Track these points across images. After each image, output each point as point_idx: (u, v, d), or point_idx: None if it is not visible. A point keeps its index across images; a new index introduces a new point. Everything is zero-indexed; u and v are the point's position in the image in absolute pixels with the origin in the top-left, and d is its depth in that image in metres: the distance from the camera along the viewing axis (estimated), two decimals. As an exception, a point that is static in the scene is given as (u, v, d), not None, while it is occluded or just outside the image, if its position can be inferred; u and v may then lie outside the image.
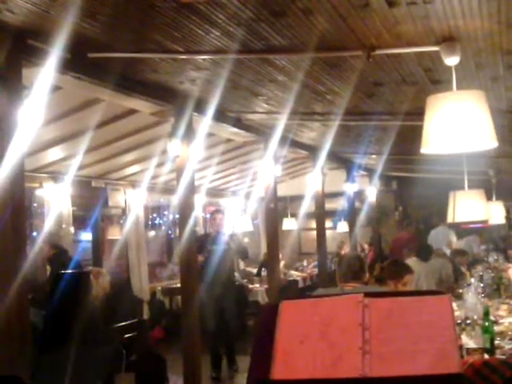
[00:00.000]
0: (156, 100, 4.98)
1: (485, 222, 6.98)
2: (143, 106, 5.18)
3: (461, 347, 3.50)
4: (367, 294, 2.13)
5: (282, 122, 6.20)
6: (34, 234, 7.60)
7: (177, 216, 8.26)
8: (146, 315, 8.95)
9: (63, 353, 3.34)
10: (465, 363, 3.37)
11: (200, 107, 5.31)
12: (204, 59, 4.10)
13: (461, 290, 5.49)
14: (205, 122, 5.51)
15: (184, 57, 4.04)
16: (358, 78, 4.57)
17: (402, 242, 9.92)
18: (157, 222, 10.79)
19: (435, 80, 4.66)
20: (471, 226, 9.56)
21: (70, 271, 3.65)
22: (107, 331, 4.70)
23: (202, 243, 6.93)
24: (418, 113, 4.21)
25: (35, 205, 7.76)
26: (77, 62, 3.92)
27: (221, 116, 5.87)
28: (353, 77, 4.52)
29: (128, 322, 5.65)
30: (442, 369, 1.85)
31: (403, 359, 1.92)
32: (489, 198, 7.57)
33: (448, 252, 8.48)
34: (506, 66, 4.39)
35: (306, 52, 3.91)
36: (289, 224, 12.57)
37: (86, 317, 2.93)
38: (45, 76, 3.55)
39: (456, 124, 3.13)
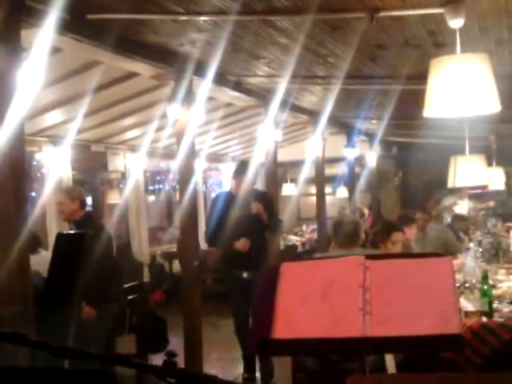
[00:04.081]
0: (156, 62, 4.93)
1: (484, 187, 7.00)
2: (143, 69, 5.13)
3: (459, 310, 3.54)
4: (368, 256, 2.14)
5: (282, 85, 6.14)
6: (34, 197, 7.60)
7: (177, 180, 8.27)
8: (146, 278, 9.02)
9: (66, 313, 3.37)
10: (463, 326, 3.41)
11: (200, 70, 5.26)
12: (205, 20, 4.05)
13: (460, 255, 5.54)
14: (205, 86, 5.47)
15: (185, 18, 3.99)
16: (360, 41, 4.51)
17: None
18: (157, 186, 10.80)
19: (439, 43, 4.61)
20: (471, 191, 9.59)
21: (71, 232, 3.67)
22: (111, 291, 4.75)
23: (215, 207, 5.44)
24: (421, 77, 4.16)
25: (35, 169, 7.74)
26: (76, 24, 3.86)
27: (221, 79, 5.81)
28: (355, 39, 4.47)
29: (129, 285, 5.69)
30: (442, 329, 1.87)
31: (403, 320, 1.94)
32: (489, 164, 7.58)
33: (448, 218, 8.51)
34: (510, 29, 4.34)
35: (308, 13, 3.85)
36: (288, 189, 12.58)
37: (89, 277, 2.96)
38: (44, 37, 3.50)
39: (459, 87, 3.11)
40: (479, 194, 10.53)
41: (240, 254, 5.28)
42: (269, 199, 5.78)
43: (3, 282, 3.23)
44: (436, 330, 1.86)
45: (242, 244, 5.25)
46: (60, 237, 2.64)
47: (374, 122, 9.55)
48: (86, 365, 1.24)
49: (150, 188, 10.54)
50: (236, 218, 5.30)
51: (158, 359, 1.16)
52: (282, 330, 1.93)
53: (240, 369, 5.46)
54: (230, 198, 5.54)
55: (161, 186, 10.84)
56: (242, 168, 5.69)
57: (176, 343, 5.43)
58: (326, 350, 2.14)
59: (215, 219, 5.42)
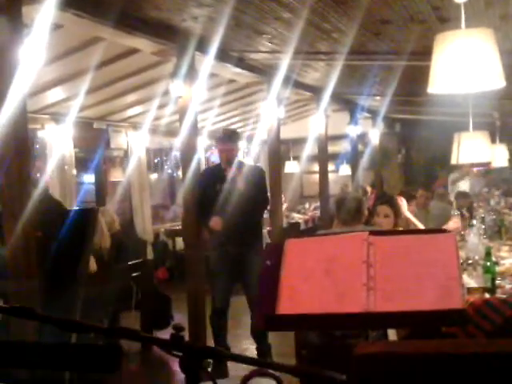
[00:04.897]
0: (157, 38, 4.89)
1: (488, 164, 6.98)
2: (145, 45, 5.09)
3: (463, 286, 3.55)
4: (372, 233, 2.14)
5: (285, 61, 6.10)
6: (38, 175, 7.60)
7: (179, 158, 8.25)
8: (149, 256, 9.06)
9: (71, 290, 3.39)
10: (466, 302, 3.42)
11: (202, 46, 5.22)
12: (207, -5, 4.01)
13: (463, 232, 5.54)
14: (207, 62, 5.43)
15: (187, -7, 3.95)
16: (364, 16, 4.47)
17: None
18: (159, 164, 10.79)
19: (443, 18, 4.57)
20: (474, 168, 9.57)
21: (76, 208, 3.65)
22: (116, 268, 4.77)
23: (201, 182, 5.10)
24: (425, 52, 4.14)
25: (37, 146, 7.73)
26: (77, -1, 3.83)
27: (223, 55, 5.77)
28: (359, 14, 4.43)
29: (133, 262, 5.72)
30: (445, 305, 1.88)
31: (407, 295, 1.95)
32: (493, 141, 7.54)
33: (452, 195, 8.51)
34: (516, 3, 4.29)
35: (312, -12, 3.81)
36: (291, 167, 12.57)
37: (94, 253, 2.98)
38: (45, 13, 3.47)
39: (464, 63, 3.08)
40: (482, 171, 10.49)
41: (230, 231, 4.84)
42: (258, 173, 5.17)
43: (9, 259, 3.26)
44: (439, 305, 1.86)
45: (213, 222, 4.84)
46: (66, 213, 2.63)
47: (378, 98, 9.50)
48: (92, 340, 1.25)
49: (153, 166, 10.53)
50: (224, 193, 4.85)
51: (161, 336, 1.17)
52: (287, 305, 1.94)
53: (244, 344, 5.51)
54: (217, 172, 5.05)
55: (163, 163, 10.83)
56: (225, 136, 5.05)
57: (180, 320, 5.48)
58: (330, 325, 2.15)
59: (204, 197, 5.04)
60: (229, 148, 4.91)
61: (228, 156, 4.91)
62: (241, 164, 5.05)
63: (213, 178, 5.01)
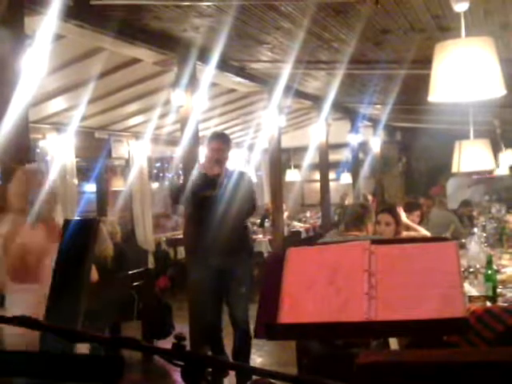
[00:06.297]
0: (159, 48, 4.92)
1: (490, 171, 6.99)
2: (146, 55, 5.12)
3: (464, 294, 3.53)
4: (374, 241, 2.14)
5: (286, 71, 6.13)
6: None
7: (181, 167, 8.26)
8: (150, 265, 9.05)
9: (72, 299, 3.39)
10: (467, 310, 3.41)
11: (203, 56, 5.25)
12: (208, 6, 4.03)
13: (464, 240, 5.54)
14: (208, 72, 5.46)
15: (188, 3, 3.98)
16: (365, 25, 4.50)
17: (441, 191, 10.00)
18: (161, 173, 10.81)
19: (443, 27, 4.59)
20: (475, 176, 9.57)
21: (78, 218, 3.65)
22: (117, 277, 4.74)
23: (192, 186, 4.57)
24: (425, 61, 4.15)
25: (39, 156, 7.74)
26: (79, 10, 3.86)
27: (224, 65, 5.80)
28: (360, 24, 4.45)
29: (134, 272, 5.71)
30: (447, 313, 1.88)
31: (408, 304, 1.94)
32: (495, 149, 7.55)
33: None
34: (515, 12, 4.31)
35: (313, -2, 3.83)
36: (292, 175, 12.57)
37: (97, 263, 2.98)
38: (47, 24, 3.49)
39: (464, 71, 3.10)
40: (483, 179, 10.50)
41: (212, 241, 4.45)
42: (247, 180, 4.70)
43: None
44: (441, 313, 1.86)
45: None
46: (68, 223, 2.62)
47: (378, 107, 9.53)
48: (95, 350, 1.25)
49: (154, 175, 10.54)
50: (211, 200, 4.46)
51: (163, 345, 1.17)
52: (288, 314, 1.94)
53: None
54: (205, 178, 4.56)
55: (165, 172, 10.84)
56: (217, 135, 4.72)
57: (181, 329, 5.46)
58: (331, 334, 2.15)
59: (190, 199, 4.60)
60: (220, 147, 4.51)
61: (218, 155, 4.49)
62: (230, 170, 4.66)
63: (201, 184, 4.56)
